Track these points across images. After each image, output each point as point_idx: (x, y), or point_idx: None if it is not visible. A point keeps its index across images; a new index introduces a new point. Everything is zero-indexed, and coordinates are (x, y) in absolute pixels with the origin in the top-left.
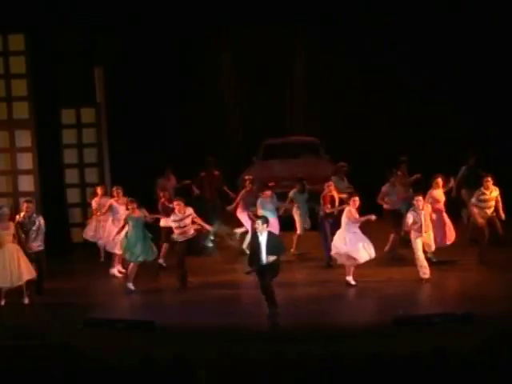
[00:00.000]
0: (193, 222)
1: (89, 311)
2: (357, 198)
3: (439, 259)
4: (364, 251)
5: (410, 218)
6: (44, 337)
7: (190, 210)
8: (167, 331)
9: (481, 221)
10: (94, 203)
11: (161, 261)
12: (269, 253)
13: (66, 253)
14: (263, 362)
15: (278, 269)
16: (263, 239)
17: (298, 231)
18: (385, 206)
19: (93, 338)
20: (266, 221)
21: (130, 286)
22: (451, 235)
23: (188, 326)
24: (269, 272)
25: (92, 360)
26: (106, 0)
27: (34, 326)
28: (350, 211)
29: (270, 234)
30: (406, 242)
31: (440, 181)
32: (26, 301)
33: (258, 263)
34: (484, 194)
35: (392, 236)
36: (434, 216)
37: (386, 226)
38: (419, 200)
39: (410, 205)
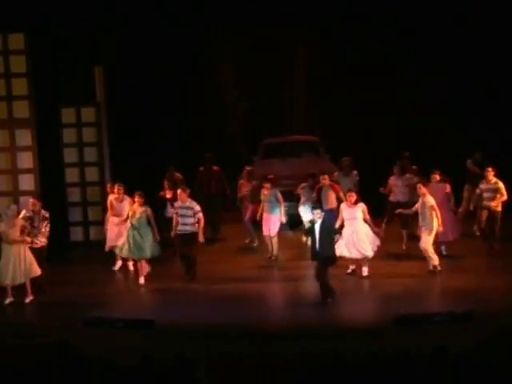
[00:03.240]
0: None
1: (89, 310)
2: (353, 194)
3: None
4: (344, 248)
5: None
6: (44, 336)
7: (195, 206)
8: (167, 330)
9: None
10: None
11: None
12: (322, 241)
13: (66, 252)
14: (263, 361)
15: (333, 258)
16: (317, 228)
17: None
18: (391, 198)
19: (93, 337)
20: (321, 209)
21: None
22: (452, 232)
23: (188, 325)
24: (324, 260)
25: (92, 359)
26: None
27: (34, 324)
28: (341, 207)
29: (324, 222)
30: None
31: (437, 176)
32: (28, 299)
33: (314, 252)
34: (484, 183)
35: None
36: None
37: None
38: (419, 188)
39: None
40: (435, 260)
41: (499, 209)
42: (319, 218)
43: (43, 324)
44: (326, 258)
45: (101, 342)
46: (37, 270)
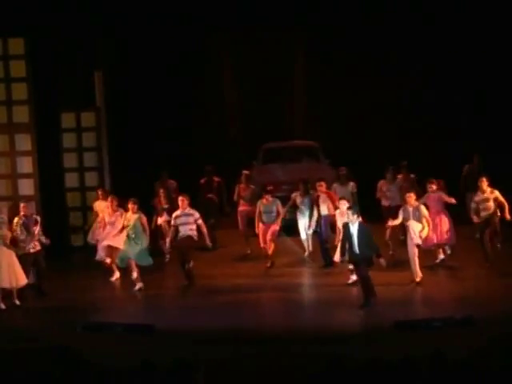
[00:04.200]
0: (197, 229)
1: (88, 314)
2: (343, 202)
3: (442, 262)
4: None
5: (400, 213)
6: (43, 340)
7: (195, 213)
8: (167, 334)
9: (476, 220)
10: (95, 206)
11: (167, 256)
12: (361, 243)
13: (65, 256)
14: (263, 365)
15: (372, 259)
16: (355, 230)
17: (301, 235)
18: (382, 202)
19: (92, 342)
20: (356, 211)
21: (139, 285)
22: (446, 237)
23: (187, 330)
24: (363, 261)
25: (91, 363)
26: (106, 4)
27: (34, 329)
28: (336, 215)
29: (360, 224)
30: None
31: (433, 186)
32: (18, 302)
33: (352, 254)
34: (478, 195)
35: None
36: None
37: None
38: (409, 196)
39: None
40: (418, 274)
41: (498, 214)
42: (356, 219)
43: (42, 328)
44: (366, 259)
45: (100, 347)
46: (24, 279)
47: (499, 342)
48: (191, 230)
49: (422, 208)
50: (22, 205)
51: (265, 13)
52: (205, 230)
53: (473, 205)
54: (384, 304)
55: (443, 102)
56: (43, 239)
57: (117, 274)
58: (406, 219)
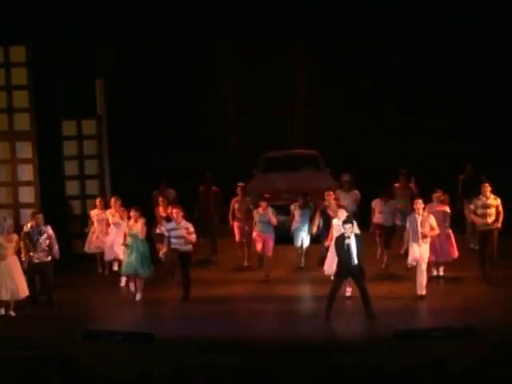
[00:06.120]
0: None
1: (88, 323)
2: (342, 211)
3: (443, 274)
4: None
5: (407, 222)
6: (43, 348)
7: (188, 225)
8: (166, 343)
9: (471, 218)
10: (93, 215)
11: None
12: (358, 254)
13: (66, 264)
14: (262, 375)
15: (364, 269)
16: (352, 241)
17: (296, 244)
18: (375, 221)
19: (92, 350)
20: (353, 223)
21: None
22: (452, 252)
23: (187, 338)
24: (362, 272)
25: (91, 372)
26: (107, 12)
27: (34, 337)
28: (333, 224)
29: (356, 235)
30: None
31: (439, 195)
32: (13, 313)
33: (350, 265)
34: (480, 199)
35: (384, 253)
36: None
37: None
38: (418, 203)
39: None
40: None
41: (498, 225)
42: (351, 232)
43: (42, 337)
44: (362, 270)
45: (100, 356)
46: (26, 291)
47: (499, 352)
48: (186, 242)
49: (432, 218)
50: (39, 216)
51: (266, 23)
52: (193, 242)
53: (472, 206)
54: (384, 314)
55: (443, 109)
56: (55, 251)
57: (124, 281)
58: (412, 228)
